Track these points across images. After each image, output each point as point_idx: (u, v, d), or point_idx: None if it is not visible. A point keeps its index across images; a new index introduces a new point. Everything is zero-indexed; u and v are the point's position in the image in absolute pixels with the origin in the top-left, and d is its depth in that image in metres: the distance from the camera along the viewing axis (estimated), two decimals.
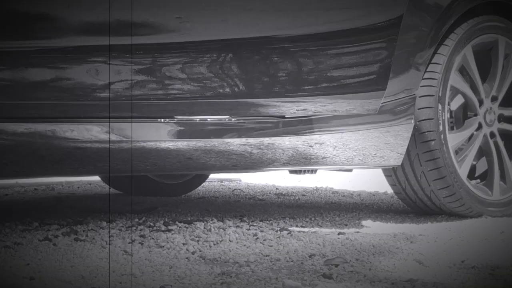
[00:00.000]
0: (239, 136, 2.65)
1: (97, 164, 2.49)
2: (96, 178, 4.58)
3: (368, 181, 4.60)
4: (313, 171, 3.39)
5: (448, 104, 3.24)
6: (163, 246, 2.36)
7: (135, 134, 2.50)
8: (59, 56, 2.31)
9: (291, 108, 2.74)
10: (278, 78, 2.68)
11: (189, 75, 2.51)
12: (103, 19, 2.33)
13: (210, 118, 2.61)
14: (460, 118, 3.33)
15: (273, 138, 2.74)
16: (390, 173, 3.24)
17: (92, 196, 3.94)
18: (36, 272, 2.00)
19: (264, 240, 2.52)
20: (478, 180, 3.39)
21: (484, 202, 3.24)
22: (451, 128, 3.28)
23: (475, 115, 3.30)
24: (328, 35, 2.80)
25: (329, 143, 2.89)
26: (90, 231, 2.59)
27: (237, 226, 2.80)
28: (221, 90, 2.55)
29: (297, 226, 2.92)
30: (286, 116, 2.77)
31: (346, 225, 3.00)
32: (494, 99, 3.35)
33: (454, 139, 3.21)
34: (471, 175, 3.35)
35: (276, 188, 4.50)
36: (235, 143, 2.65)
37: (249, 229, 2.72)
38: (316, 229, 2.85)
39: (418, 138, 3.11)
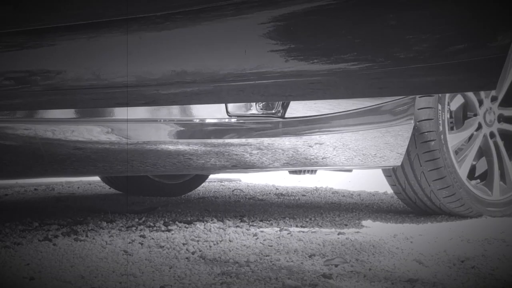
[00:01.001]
0: (239, 136, 2.65)
1: (97, 165, 2.49)
2: (96, 178, 4.59)
3: (368, 181, 4.61)
4: (313, 171, 3.40)
5: (448, 104, 3.24)
6: (163, 246, 2.36)
7: (134, 134, 2.50)
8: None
9: None
10: None
11: None
12: None
13: (210, 118, 2.61)
14: (460, 118, 3.34)
15: (273, 139, 2.74)
16: (390, 173, 3.24)
17: (92, 196, 3.94)
18: (36, 272, 2.00)
19: (264, 240, 2.52)
20: (478, 180, 3.39)
21: (484, 202, 3.25)
22: (451, 128, 3.29)
23: (475, 115, 3.30)
24: None
25: (329, 143, 2.89)
26: (90, 231, 2.59)
27: (237, 226, 2.80)
28: None
29: (297, 226, 2.92)
30: (286, 116, 2.77)
31: (346, 225, 3.00)
32: (494, 99, 3.36)
33: (454, 139, 3.21)
34: (471, 175, 3.36)
35: (276, 188, 4.51)
36: (235, 143, 2.65)
37: (249, 229, 2.72)
38: (316, 229, 2.85)
39: (418, 138, 3.11)
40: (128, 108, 2.46)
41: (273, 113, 2.76)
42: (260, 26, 2.00)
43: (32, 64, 1.96)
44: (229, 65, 2.02)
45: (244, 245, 2.43)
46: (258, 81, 2.06)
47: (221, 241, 2.46)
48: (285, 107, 2.77)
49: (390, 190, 3.63)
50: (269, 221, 3.00)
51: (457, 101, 3.33)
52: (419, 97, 3.08)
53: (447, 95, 3.17)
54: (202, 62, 2.03)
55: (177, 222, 2.80)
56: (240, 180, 5.07)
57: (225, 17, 2.00)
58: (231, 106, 2.64)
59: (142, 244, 2.39)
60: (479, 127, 3.31)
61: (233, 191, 4.30)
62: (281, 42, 2.03)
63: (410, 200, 3.28)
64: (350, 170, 3.45)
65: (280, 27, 2.02)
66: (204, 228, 2.69)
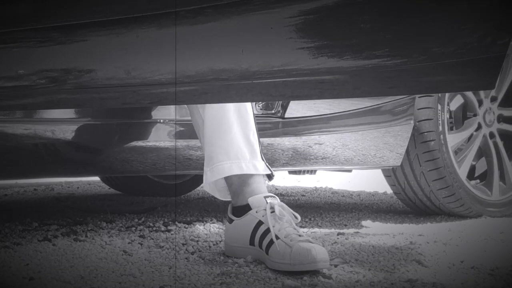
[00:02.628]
0: None
1: (97, 165, 2.49)
2: (96, 178, 4.58)
3: (367, 181, 4.60)
4: (312, 172, 3.40)
5: (448, 104, 3.24)
6: (163, 247, 2.35)
7: (133, 135, 2.50)
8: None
9: None
10: None
11: None
12: None
13: None
14: (460, 118, 3.34)
15: (272, 139, 2.74)
16: (390, 173, 3.24)
17: (91, 197, 3.94)
18: (35, 272, 2.00)
19: None
20: (478, 181, 3.39)
21: (484, 202, 3.25)
22: (451, 129, 3.29)
23: (475, 115, 3.30)
24: None
25: (328, 144, 2.89)
26: (90, 231, 2.59)
27: None
28: None
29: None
30: (285, 116, 2.77)
31: (345, 225, 3.00)
32: (493, 99, 3.36)
33: (453, 139, 3.21)
34: (471, 175, 3.36)
35: (276, 188, 4.50)
36: None
37: None
38: (316, 229, 2.84)
39: (417, 138, 3.11)
40: (128, 108, 2.46)
41: (272, 113, 2.76)
42: (270, 24, 1.99)
43: (40, 62, 1.96)
44: (239, 64, 2.02)
45: None
46: (267, 80, 2.06)
47: (220, 241, 2.45)
48: (284, 107, 2.77)
49: (389, 190, 3.62)
50: None
51: (457, 101, 3.33)
52: (419, 97, 3.08)
53: (447, 95, 3.17)
54: (211, 61, 2.03)
55: (176, 222, 2.80)
56: None
57: (237, 15, 1.99)
58: None
59: (141, 244, 2.39)
60: (479, 127, 3.31)
61: None
62: (293, 40, 2.03)
63: (410, 200, 3.28)
64: (349, 170, 3.45)
65: (291, 25, 2.02)
66: (204, 228, 2.69)
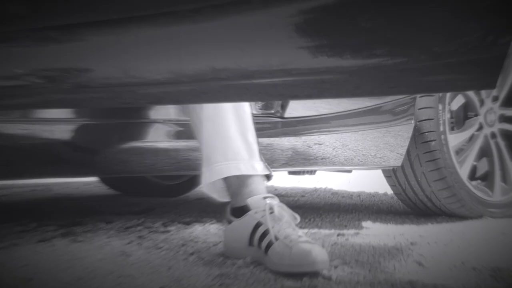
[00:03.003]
0: None
1: (96, 165, 2.48)
2: (94, 179, 4.58)
3: (367, 182, 4.60)
4: (312, 172, 3.39)
5: (449, 104, 3.23)
6: (161, 247, 2.35)
7: (131, 135, 2.49)
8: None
9: None
10: None
11: None
12: None
13: None
14: (461, 118, 3.33)
15: (272, 139, 2.73)
16: (390, 174, 3.23)
17: (90, 197, 3.93)
18: (33, 273, 1.99)
19: None
20: (479, 181, 3.38)
21: (485, 203, 3.24)
22: (452, 129, 3.28)
23: (476, 115, 3.29)
24: None
25: (328, 144, 2.88)
26: (88, 232, 2.58)
27: None
28: None
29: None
30: (285, 116, 2.76)
31: (345, 226, 2.99)
32: (495, 99, 3.35)
33: (454, 139, 3.20)
34: (472, 175, 3.35)
35: (275, 189, 4.50)
36: None
37: None
38: (316, 230, 2.84)
39: (418, 138, 3.10)
40: (126, 108, 2.45)
41: (272, 113, 2.75)
42: (269, 23, 1.99)
43: (38, 62, 1.95)
44: (238, 64, 2.02)
45: None
46: (267, 79, 2.05)
47: (219, 242, 2.45)
48: (284, 107, 2.76)
49: (390, 191, 3.62)
50: None
51: (458, 101, 3.32)
52: (420, 97, 3.07)
53: (448, 95, 3.16)
54: (210, 61, 2.02)
55: (175, 223, 2.79)
56: None
57: (236, 15, 1.98)
58: None
59: (140, 245, 2.38)
60: (480, 127, 3.30)
61: None
62: (293, 40, 2.02)
63: (410, 201, 3.27)
64: (349, 171, 3.44)
65: (290, 24, 2.01)
66: (203, 229, 2.68)
